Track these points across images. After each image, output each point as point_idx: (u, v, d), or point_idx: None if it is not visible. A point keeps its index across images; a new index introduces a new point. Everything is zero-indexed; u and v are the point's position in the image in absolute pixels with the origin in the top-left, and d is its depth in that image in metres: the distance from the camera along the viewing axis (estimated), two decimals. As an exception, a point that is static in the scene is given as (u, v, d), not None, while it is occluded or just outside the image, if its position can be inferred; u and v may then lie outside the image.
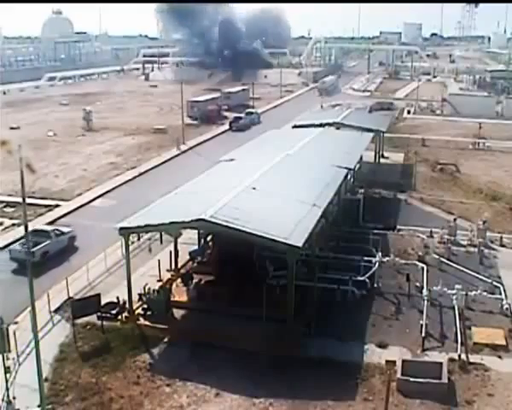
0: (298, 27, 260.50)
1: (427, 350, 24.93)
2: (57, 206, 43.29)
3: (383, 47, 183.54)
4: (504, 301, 28.10)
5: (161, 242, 34.08)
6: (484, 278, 30.34)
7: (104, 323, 26.75)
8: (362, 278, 29.59)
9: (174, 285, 30.10)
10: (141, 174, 52.63)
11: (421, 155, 58.28)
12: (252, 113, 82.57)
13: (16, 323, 26.15)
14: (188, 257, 32.85)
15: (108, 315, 27.25)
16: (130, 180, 51.05)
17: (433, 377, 22.44)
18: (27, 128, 73.02)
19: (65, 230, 36.51)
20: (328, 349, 24.81)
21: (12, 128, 71.24)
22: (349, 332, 25.99)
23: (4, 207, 42.95)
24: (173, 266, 31.99)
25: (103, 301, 27.44)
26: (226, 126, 76.28)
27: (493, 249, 34.93)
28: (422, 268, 30.97)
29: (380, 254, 31.65)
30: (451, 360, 24.07)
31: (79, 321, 26.69)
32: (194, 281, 30.25)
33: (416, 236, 36.36)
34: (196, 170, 38.63)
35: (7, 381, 21.43)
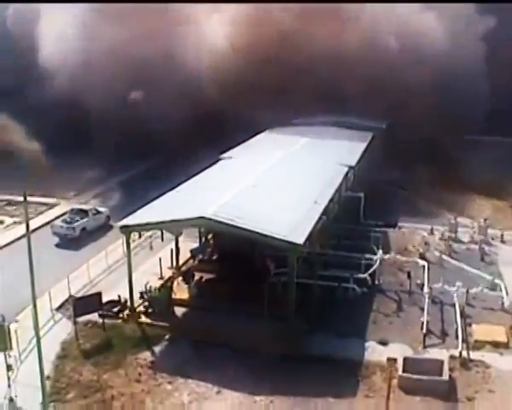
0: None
1: (428, 347, 24.96)
2: (58, 204, 43.31)
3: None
4: (505, 298, 28.12)
5: (162, 239, 34.07)
6: (485, 275, 30.33)
7: (106, 321, 26.82)
8: (363, 276, 29.61)
9: (175, 283, 30.13)
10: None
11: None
12: None
13: (17, 321, 26.18)
14: (189, 255, 32.88)
15: (110, 313, 27.32)
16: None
17: (434, 375, 22.47)
18: None
19: (101, 209, 39.82)
20: (329, 347, 24.83)
21: None
22: (350, 329, 26.01)
23: (5, 205, 43.01)
24: (174, 264, 32.03)
25: (105, 300, 27.48)
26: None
27: (494, 246, 34.95)
28: (423, 265, 30.97)
29: (381, 251, 31.64)
30: (452, 357, 24.09)
31: (81, 319, 26.74)
32: (196, 279, 30.29)
33: (417, 233, 36.35)
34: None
35: (9, 379, 21.47)
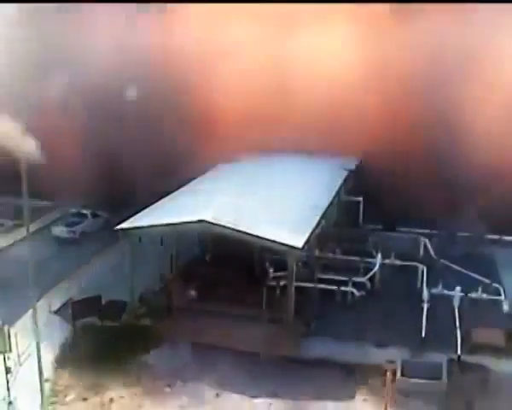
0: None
1: (427, 351, 25.01)
2: (57, 207, 43.24)
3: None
4: (504, 302, 28.17)
5: (161, 242, 34.10)
6: (484, 279, 30.35)
7: (105, 323, 26.82)
8: (362, 279, 29.65)
9: (175, 286, 30.14)
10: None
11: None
12: None
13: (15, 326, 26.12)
14: (188, 257, 32.90)
15: (109, 316, 27.34)
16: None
17: (433, 378, 22.52)
18: None
19: (101, 212, 39.63)
20: (328, 350, 24.88)
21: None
22: (349, 333, 26.07)
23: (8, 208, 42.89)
24: (174, 267, 32.05)
25: (104, 302, 27.49)
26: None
27: (493, 250, 35.00)
28: (422, 269, 30.99)
29: (380, 255, 31.66)
30: (451, 360, 24.13)
31: (80, 321, 26.75)
32: (195, 282, 30.31)
33: (415, 236, 36.33)
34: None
35: (8, 381, 21.49)
